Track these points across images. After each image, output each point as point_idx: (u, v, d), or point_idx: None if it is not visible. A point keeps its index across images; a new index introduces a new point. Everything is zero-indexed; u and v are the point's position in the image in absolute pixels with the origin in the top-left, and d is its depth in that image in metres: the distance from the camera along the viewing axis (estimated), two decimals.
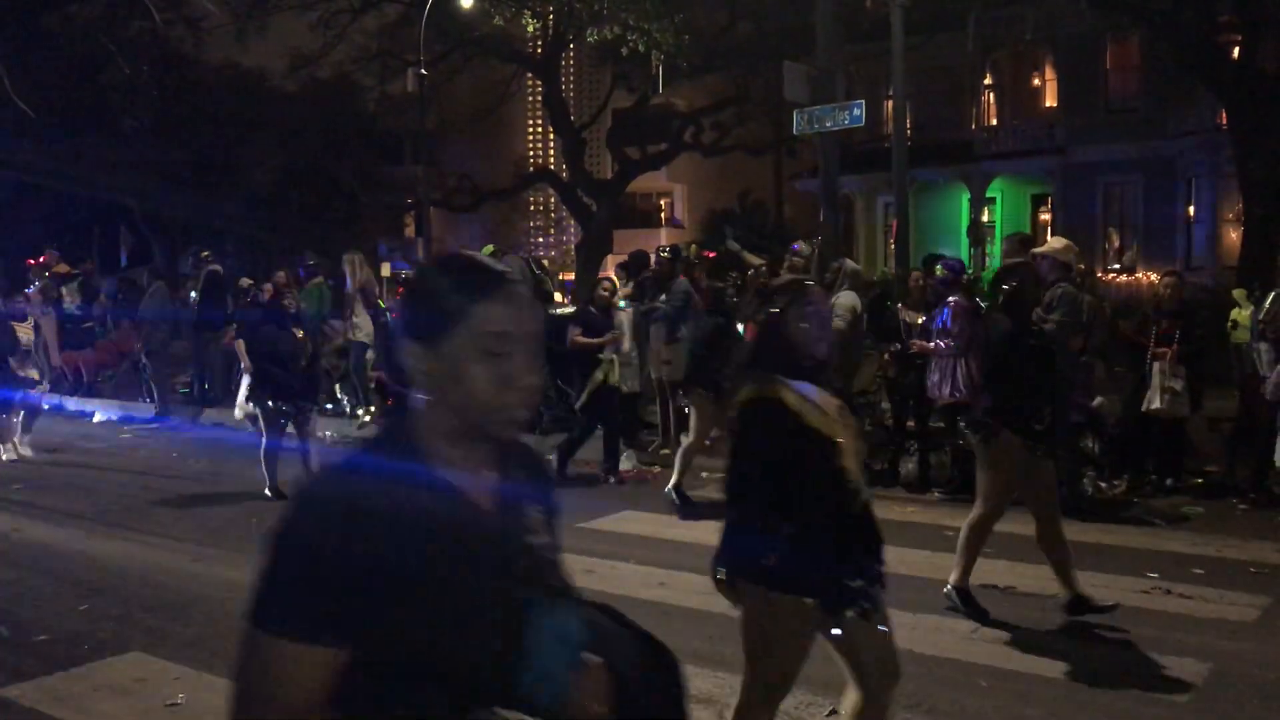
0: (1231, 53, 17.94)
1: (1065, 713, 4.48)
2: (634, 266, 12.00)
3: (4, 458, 11.14)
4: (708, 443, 8.72)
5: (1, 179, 24.74)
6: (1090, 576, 6.42)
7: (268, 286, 10.71)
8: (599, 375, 9.69)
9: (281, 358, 9.08)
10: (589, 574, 6.67)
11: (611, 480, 9.64)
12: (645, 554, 7.09)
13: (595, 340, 9.76)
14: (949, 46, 26.32)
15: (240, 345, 10.86)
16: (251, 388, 9.70)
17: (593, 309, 10.20)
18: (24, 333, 11.55)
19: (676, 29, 18.91)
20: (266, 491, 8.94)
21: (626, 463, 10.26)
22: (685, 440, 8.75)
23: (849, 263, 9.85)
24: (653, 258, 10.97)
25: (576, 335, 9.88)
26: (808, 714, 4.45)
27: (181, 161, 29.25)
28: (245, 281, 16.45)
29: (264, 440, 9.14)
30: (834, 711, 4.44)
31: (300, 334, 9.26)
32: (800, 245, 11.10)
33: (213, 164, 30.91)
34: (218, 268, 14.80)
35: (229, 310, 15.12)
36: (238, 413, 10.98)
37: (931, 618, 5.65)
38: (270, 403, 9.10)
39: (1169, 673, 4.90)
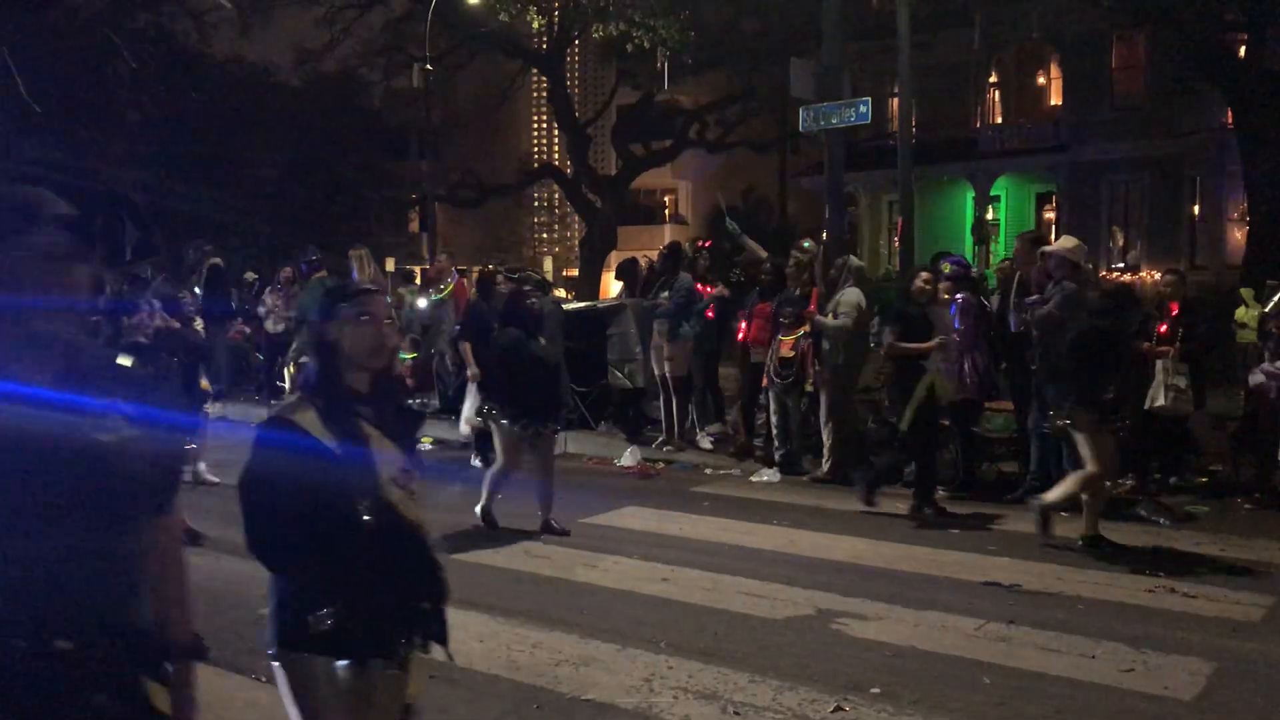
0: (1238, 52, 17.90)
1: (1069, 711, 4.46)
2: (625, 275, 12.04)
3: (214, 480, 8.55)
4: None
5: (5, 171, 24.77)
6: (1094, 574, 6.43)
7: (500, 278, 8.80)
8: (924, 389, 7.91)
9: (521, 368, 7.40)
10: (592, 568, 6.68)
11: (928, 512, 8.05)
12: (648, 549, 7.08)
13: (921, 345, 7.95)
14: (955, 44, 26.26)
15: (466, 348, 9.29)
16: (487, 402, 7.95)
17: (911, 307, 8.16)
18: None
19: (682, 25, 18.92)
20: (476, 509, 7.57)
21: (630, 459, 10.26)
22: (1081, 473, 7.02)
23: (853, 259, 9.86)
24: (643, 259, 10.75)
25: (893, 339, 8.09)
26: (811, 710, 4.44)
27: (186, 155, 29.25)
28: (250, 275, 16.48)
29: (497, 464, 7.66)
30: (838, 708, 4.44)
31: (543, 340, 7.57)
32: (808, 243, 11.08)
33: (217, 158, 30.92)
34: (219, 261, 14.73)
35: (233, 303, 15.14)
36: (464, 427, 9.69)
37: (935, 615, 5.65)
38: (505, 422, 7.45)
39: (1173, 671, 4.88)
